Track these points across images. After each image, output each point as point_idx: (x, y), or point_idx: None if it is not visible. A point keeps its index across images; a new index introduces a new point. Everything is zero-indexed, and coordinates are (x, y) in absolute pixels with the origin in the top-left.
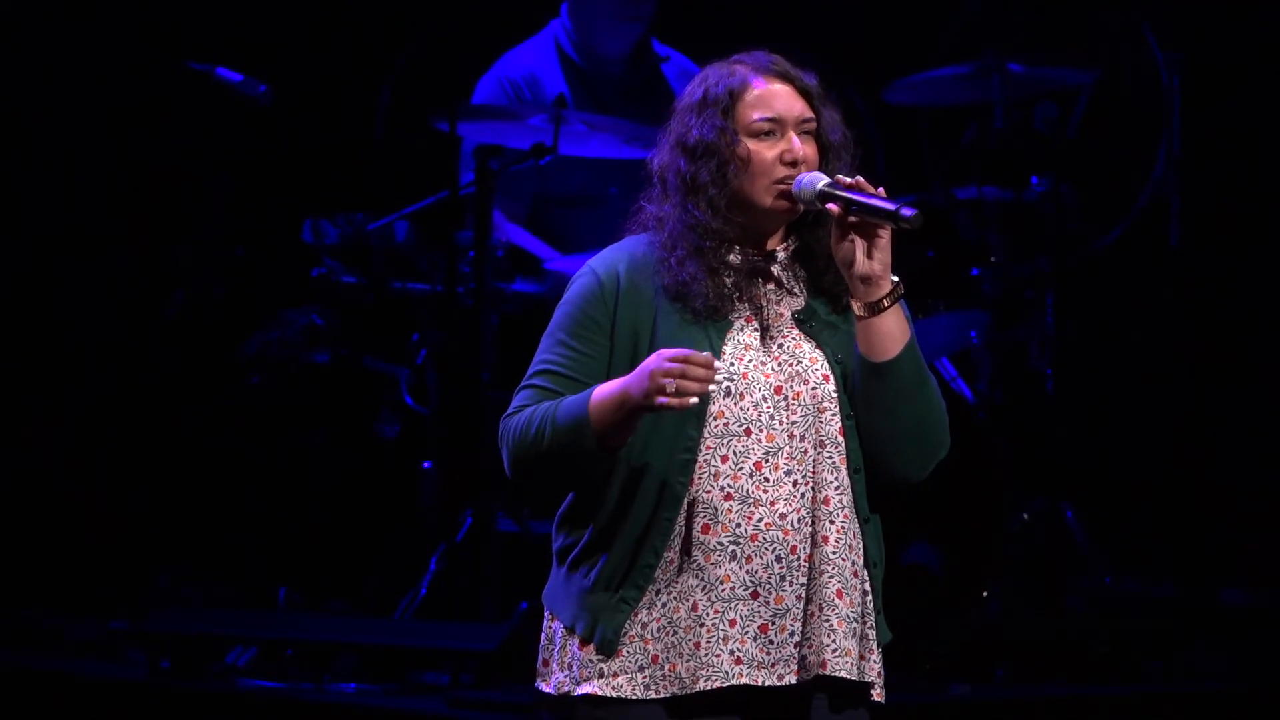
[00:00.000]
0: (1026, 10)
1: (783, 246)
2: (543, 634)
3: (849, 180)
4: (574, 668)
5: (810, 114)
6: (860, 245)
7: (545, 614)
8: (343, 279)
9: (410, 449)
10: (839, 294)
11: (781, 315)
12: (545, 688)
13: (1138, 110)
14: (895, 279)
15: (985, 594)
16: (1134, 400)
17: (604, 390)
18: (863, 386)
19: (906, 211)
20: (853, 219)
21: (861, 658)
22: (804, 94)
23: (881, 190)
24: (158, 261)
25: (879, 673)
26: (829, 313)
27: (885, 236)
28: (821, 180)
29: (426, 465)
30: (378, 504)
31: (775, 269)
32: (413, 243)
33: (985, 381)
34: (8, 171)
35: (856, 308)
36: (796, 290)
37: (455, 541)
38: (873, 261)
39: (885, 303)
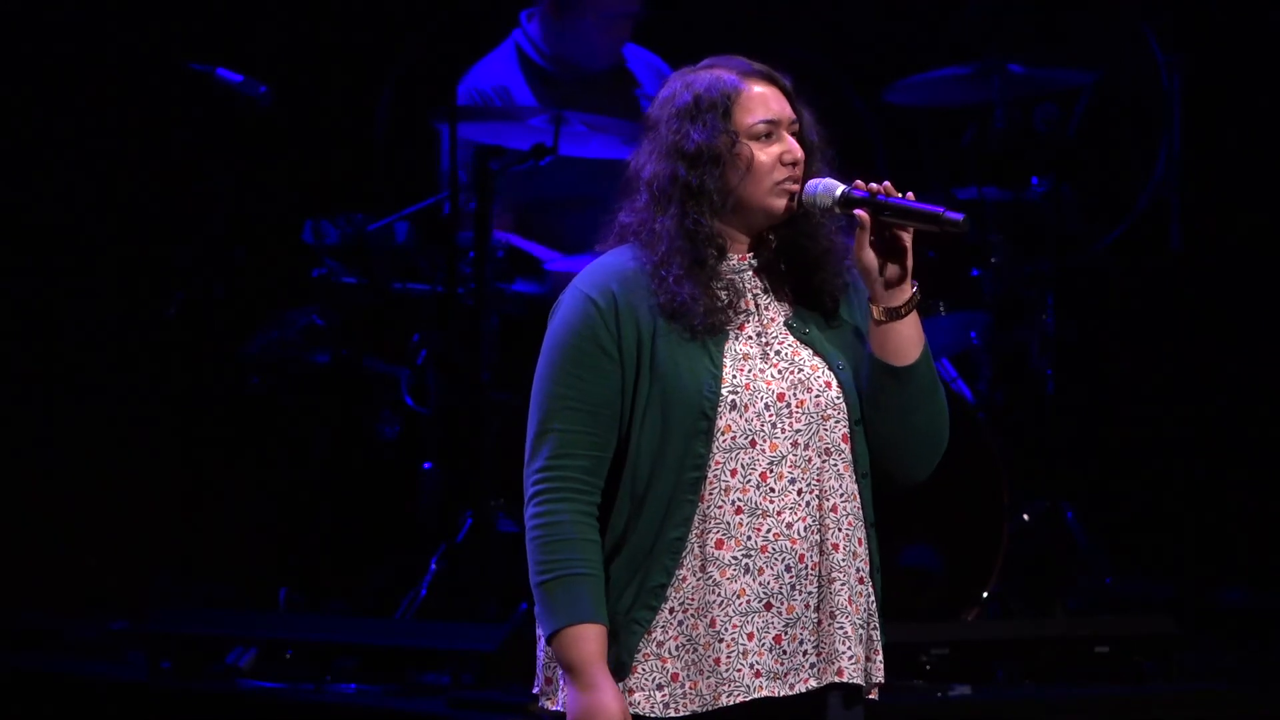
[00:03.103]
0: (1026, 10)
1: (763, 249)
2: (541, 651)
3: (876, 186)
4: None
5: (794, 115)
6: (884, 251)
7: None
8: (343, 279)
9: (410, 449)
10: (825, 293)
11: (773, 320)
12: (552, 705)
13: (1138, 111)
14: (914, 284)
15: (985, 594)
16: (1134, 400)
17: (571, 650)
18: (875, 390)
19: (953, 215)
20: (892, 224)
21: (868, 660)
22: (786, 95)
23: (910, 194)
24: (158, 261)
25: (882, 673)
26: (818, 314)
27: (909, 242)
28: (839, 187)
29: (426, 465)
30: (378, 504)
31: (761, 273)
32: (413, 243)
33: (985, 382)
34: (8, 171)
35: (875, 312)
36: (783, 292)
37: (455, 542)
38: (897, 267)
39: (904, 309)
